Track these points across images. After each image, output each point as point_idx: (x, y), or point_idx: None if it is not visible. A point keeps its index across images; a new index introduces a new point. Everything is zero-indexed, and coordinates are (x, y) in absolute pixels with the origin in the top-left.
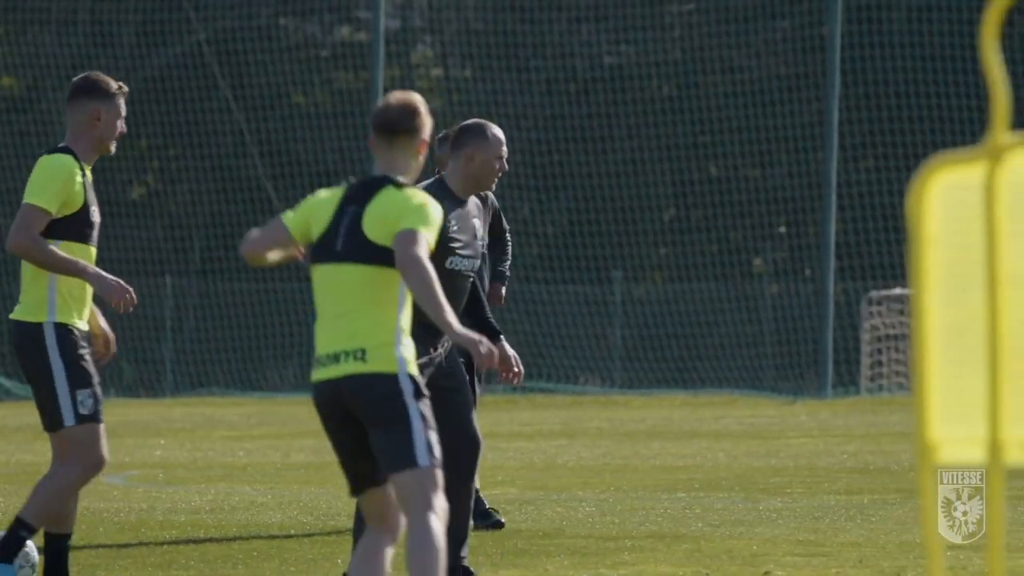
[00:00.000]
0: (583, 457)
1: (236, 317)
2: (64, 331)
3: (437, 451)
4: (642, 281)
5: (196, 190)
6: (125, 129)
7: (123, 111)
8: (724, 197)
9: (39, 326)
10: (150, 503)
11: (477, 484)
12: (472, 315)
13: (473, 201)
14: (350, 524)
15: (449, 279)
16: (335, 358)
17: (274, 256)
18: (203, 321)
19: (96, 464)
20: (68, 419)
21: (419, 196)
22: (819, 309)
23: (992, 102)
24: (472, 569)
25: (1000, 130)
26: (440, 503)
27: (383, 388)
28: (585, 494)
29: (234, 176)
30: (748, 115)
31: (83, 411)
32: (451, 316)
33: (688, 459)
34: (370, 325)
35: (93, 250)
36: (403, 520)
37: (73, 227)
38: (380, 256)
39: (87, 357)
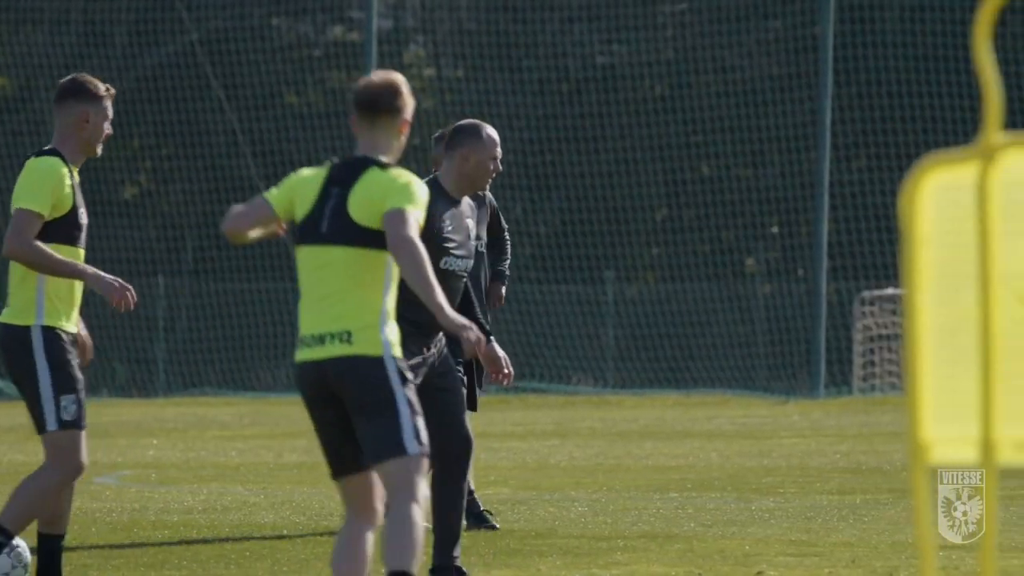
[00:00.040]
0: (576, 457)
1: (229, 317)
2: (52, 335)
3: (424, 437)
4: (634, 281)
5: (189, 190)
6: (111, 131)
7: (110, 113)
8: (716, 197)
9: (27, 329)
10: (143, 503)
11: (472, 485)
12: (464, 315)
13: (467, 201)
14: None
15: (443, 279)
16: (320, 339)
17: (255, 233)
18: (196, 321)
19: (75, 470)
20: (50, 424)
21: (404, 175)
22: (811, 309)
23: (984, 102)
24: (465, 569)
25: (992, 130)
26: (424, 491)
27: (369, 371)
28: (578, 494)
29: (227, 176)
30: (740, 115)
31: (66, 417)
32: (442, 298)
33: (681, 459)
34: (355, 307)
35: (81, 252)
36: (382, 505)
37: (62, 230)
38: (366, 238)
39: (73, 362)
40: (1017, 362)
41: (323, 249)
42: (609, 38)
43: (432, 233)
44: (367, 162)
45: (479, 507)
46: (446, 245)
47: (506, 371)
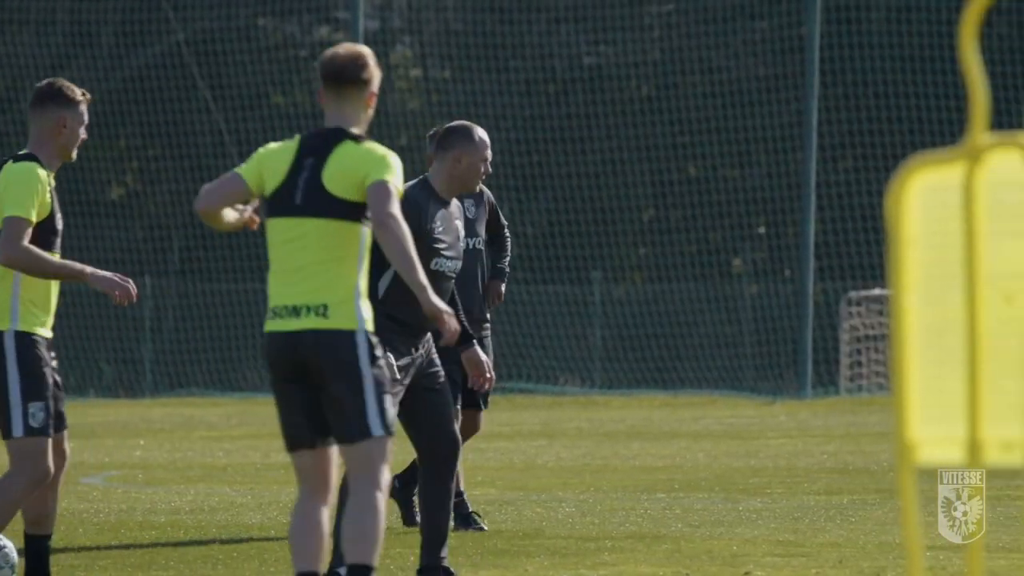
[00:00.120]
0: (563, 458)
1: (215, 317)
2: (26, 340)
3: (390, 417)
4: (621, 281)
5: (175, 190)
6: (86, 136)
7: (86, 119)
8: (703, 197)
9: (0, 334)
10: (130, 504)
11: (462, 486)
12: None
13: (455, 203)
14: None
15: (433, 280)
16: (294, 311)
17: (230, 217)
18: (182, 322)
19: (40, 478)
20: (16, 430)
21: (379, 147)
22: (798, 309)
23: (971, 103)
24: (452, 569)
25: (979, 131)
26: (386, 476)
27: (343, 346)
28: (565, 494)
29: (213, 176)
30: (727, 115)
31: (33, 423)
32: (424, 278)
33: (668, 459)
34: (331, 280)
35: (57, 256)
36: (337, 480)
37: (39, 235)
38: (341, 210)
39: (47, 368)
40: (1003, 362)
41: (297, 221)
42: (596, 39)
43: (423, 233)
44: (340, 134)
45: (467, 508)
46: (436, 246)
47: (488, 375)
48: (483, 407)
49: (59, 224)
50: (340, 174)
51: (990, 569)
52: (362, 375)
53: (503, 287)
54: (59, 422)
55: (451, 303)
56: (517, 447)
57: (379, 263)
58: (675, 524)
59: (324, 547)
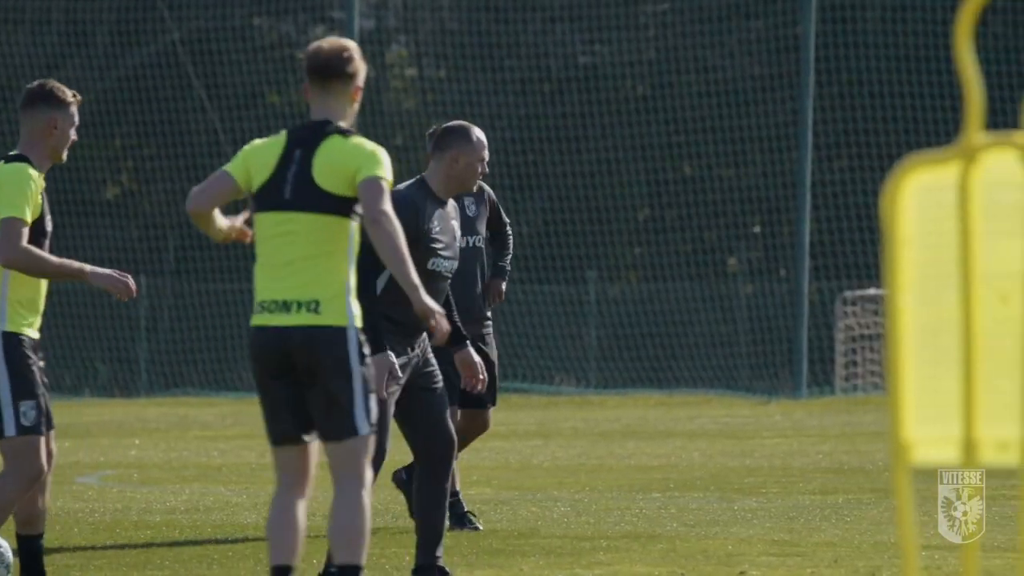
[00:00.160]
0: (558, 457)
1: (211, 317)
2: (14, 340)
3: (374, 414)
4: (616, 281)
5: (171, 190)
6: (77, 138)
7: (77, 120)
8: (698, 197)
9: None
10: (125, 503)
11: (457, 486)
12: None
13: (451, 203)
14: (325, 524)
15: (430, 280)
16: (284, 306)
17: (221, 223)
18: (178, 321)
19: (34, 477)
20: (8, 429)
21: (367, 142)
22: (793, 309)
23: (966, 102)
24: (447, 569)
25: (974, 130)
26: (370, 473)
27: (335, 343)
28: (560, 494)
29: (209, 176)
30: (722, 115)
31: (24, 422)
32: (416, 277)
33: (663, 459)
34: (322, 275)
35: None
36: (313, 475)
37: (30, 237)
38: (331, 204)
39: (35, 367)
40: (999, 362)
41: (286, 216)
42: (591, 38)
43: (420, 233)
44: (327, 127)
45: (463, 508)
46: (433, 246)
47: (480, 376)
48: (492, 405)
49: (49, 226)
50: (329, 168)
51: (985, 568)
52: (352, 373)
53: (504, 285)
54: (47, 421)
55: (445, 303)
56: (512, 447)
57: (376, 262)
58: (670, 524)
59: (301, 541)
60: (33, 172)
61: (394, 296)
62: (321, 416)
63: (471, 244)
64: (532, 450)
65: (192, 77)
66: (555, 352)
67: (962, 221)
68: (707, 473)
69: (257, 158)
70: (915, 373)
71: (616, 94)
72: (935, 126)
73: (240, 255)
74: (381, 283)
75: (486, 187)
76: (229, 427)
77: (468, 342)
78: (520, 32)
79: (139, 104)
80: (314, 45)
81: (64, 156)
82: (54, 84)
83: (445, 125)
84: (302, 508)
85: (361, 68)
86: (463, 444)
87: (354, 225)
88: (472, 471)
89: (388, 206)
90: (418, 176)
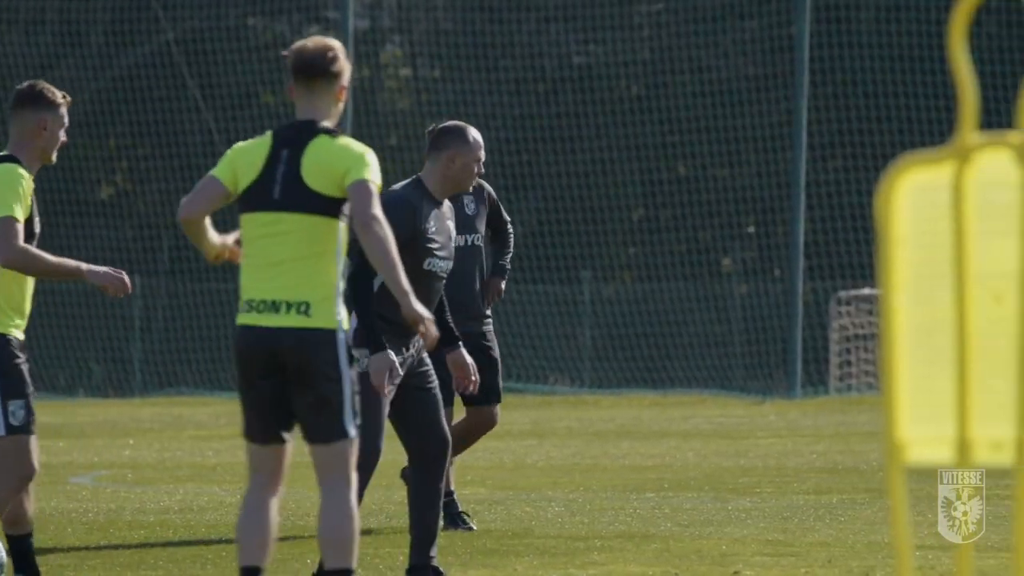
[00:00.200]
0: (552, 457)
1: (205, 317)
2: (1, 341)
3: (358, 417)
4: (611, 281)
5: (165, 190)
6: (66, 139)
7: (66, 121)
8: (693, 197)
9: None
10: (119, 503)
11: (452, 486)
12: (435, 318)
13: (447, 203)
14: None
15: (426, 280)
16: (273, 306)
17: (213, 238)
18: (172, 321)
19: (25, 476)
20: None
21: (355, 143)
22: (788, 309)
23: (960, 102)
24: (441, 569)
25: (968, 130)
26: (355, 475)
27: (324, 346)
28: (554, 494)
29: (203, 176)
30: (717, 115)
31: (13, 422)
32: (406, 282)
33: (657, 459)
34: (312, 277)
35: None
36: (285, 475)
37: None
38: (320, 205)
39: (23, 367)
40: (993, 362)
41: (275, 216)
42: (585, 38)
43: (417, 234)
44: (314, 127)
45: (457, 507)
46: (429, 246)
47: (473, 378)
48: (496, 401)
49: (37, 227)
50: (318, 168)
51: (979, 568)
52: (342, 376)
53: (503, 284)
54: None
55: (439, 303)
56: (507, 446)
57: None
58: (664, 523)
59: (272, 541)
60: (23, 172)
61: (389, 296)
62: (310, 418)
63: (470, 242)
64: (526, 450)
65: (186, 77)
66: (549, 352)
67: (956, 221)
68: (701, 473)
69: (243, 159)
70: (909, 373)
71: (610, 94)
72: (929, 126)
73: None
74: (378, 282)
75: (486, 186)
76: (223, 427)
77: (460, 343)
78: (514, 32)
79: (133, 104)
80: (298, 44)
81: (54, 157)
82: (44, 85)
83: (441, 125)
84: (274, 508)
85: (346, 67)
86: (471, 441)
87: (342, 226)
88: (466, 471)
89: (379, 210)
90: (414, 176)
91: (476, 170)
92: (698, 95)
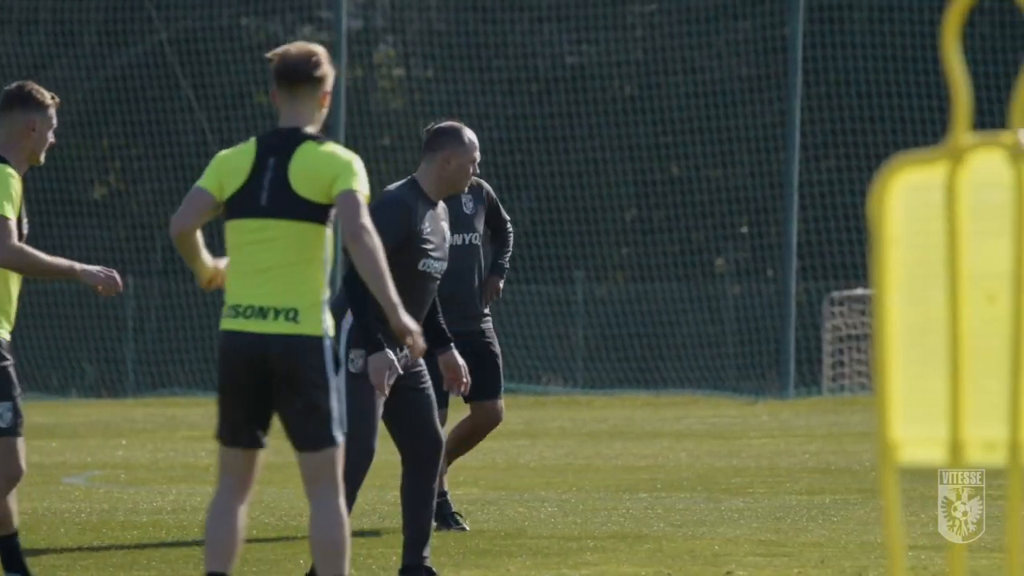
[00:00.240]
0: (545, 457)
1: (198, 317)
2: None
3: (345, 423)
4: (604, 281)
5: (158, 190)
6: (55, 141)
7: (55, 123)
8: (686, 197)
9: None
10: (112, 504)
11: (445, 486)
12: (428, 320)
13: (441, 204)
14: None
15: (420, 281)
16: (261, 312)
17: (206, 257)
18: (165, 321)
19: (13, 478)
20: None
21: (341, 150)
22: (781, 309)
23: (953, 103)
24: (434, 569)
25: (961, 130)
26: (342, 481)
27: (311, 353)
28: (547, 494)
29: (196, 176)
30: (710, 115)
31: (1, 424)
32: (395, 293)
33: (650, 459)
34: (299, 283)
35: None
36: (256, 481)
37: None
38: (308, 212)
39: (10, 369)
40: (986, 362)
41: (263, 223)
42: (578, 38)
43: (413, 234)
44: (299, 134)
45: (450, 508)
46: (424, 247)
47: (464, 380)
48: (499, 394)
49: (25, 228)
50: (306, 175)
51: (972, 569)
52: (329, 383)
53: (501, 283)
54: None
55: (432, 304)
56: (499, 446)
57: None
58: (657, 524)
59: (238, 547)
60: (13, 172)
61: None
62: (299, 425)
63: (467, 241)
64: (519, 450)
65: (180, 77)
66: (542, 352)
67: (949, 221)
68: (694, 473)
69: (228, 166)
70: (902, 373)
71: (604, 94)
72: (922, 126)
73: None
74: None
75: (485, 184)
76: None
77: (452, 344)
78: (508, 32)
79: (127, 104)
80: (281, 49)
81: (42, 158)
82: (33, 86)
83: (436, 126)
84: (243, 514)
85: (329, 73)
86: (477, 439)
87: (329, 232)
88: (459, 471)
89: (368, 221)
90: (409, 177)
91: (472, 171)
92: (691, 95)
